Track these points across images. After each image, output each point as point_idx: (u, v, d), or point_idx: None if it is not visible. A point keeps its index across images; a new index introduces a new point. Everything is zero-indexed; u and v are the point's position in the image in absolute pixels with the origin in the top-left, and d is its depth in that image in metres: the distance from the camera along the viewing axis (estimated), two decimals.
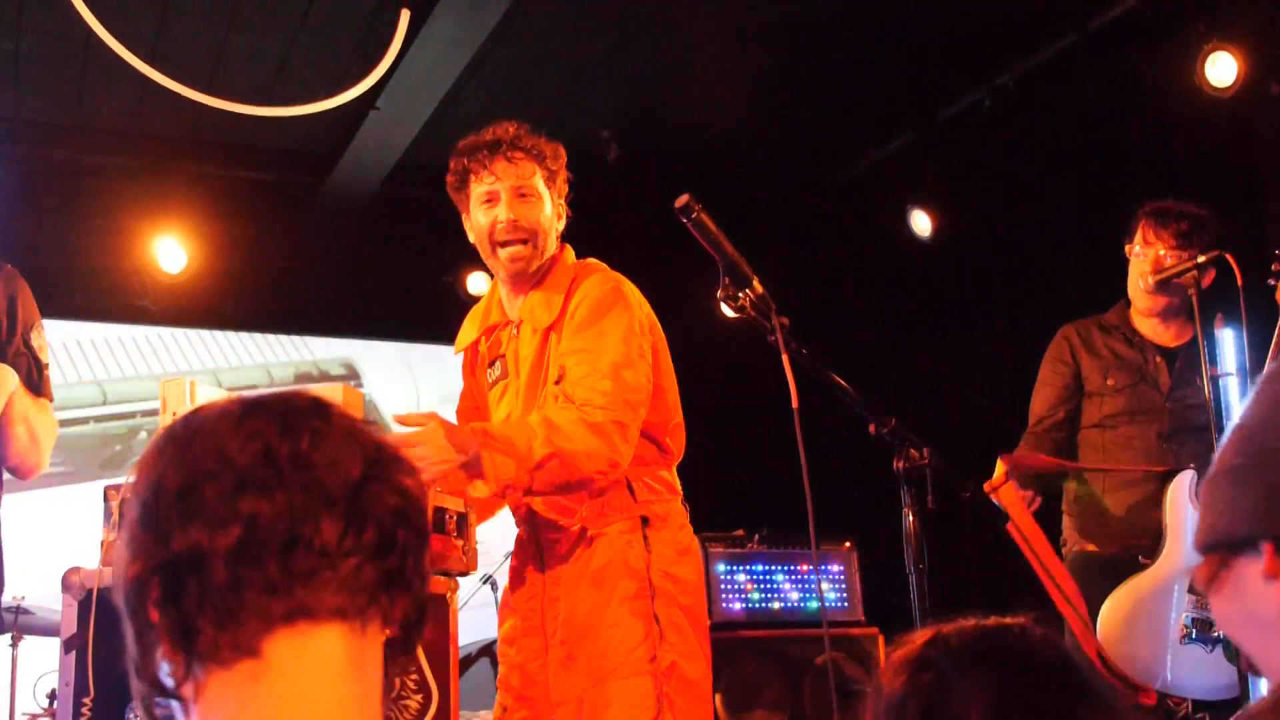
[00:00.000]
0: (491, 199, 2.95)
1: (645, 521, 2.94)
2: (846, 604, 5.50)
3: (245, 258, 6.60)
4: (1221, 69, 4.69)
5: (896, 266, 6.64)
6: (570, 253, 3.11)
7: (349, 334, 7.16)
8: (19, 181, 6.05)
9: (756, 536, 5.44)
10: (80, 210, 6.30)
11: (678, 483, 3.11)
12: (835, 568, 5.54)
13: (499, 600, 6.41)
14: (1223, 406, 3.61)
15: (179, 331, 6.95)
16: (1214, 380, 3.59)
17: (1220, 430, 3.49)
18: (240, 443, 1.11)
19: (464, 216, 3.08)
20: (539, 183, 2.97)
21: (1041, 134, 5.87)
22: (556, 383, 2.89)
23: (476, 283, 6.99)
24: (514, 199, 2.94)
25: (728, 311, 2.57)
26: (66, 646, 2.69)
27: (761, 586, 5.37)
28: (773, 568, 5.43)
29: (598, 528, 2.92)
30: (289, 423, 1.13)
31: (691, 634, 2.91)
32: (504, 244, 2.96)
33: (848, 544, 5.68)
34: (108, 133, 6.21)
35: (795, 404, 2.35)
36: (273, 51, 5.49)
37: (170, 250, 6.35)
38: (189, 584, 1.08)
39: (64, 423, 6.62)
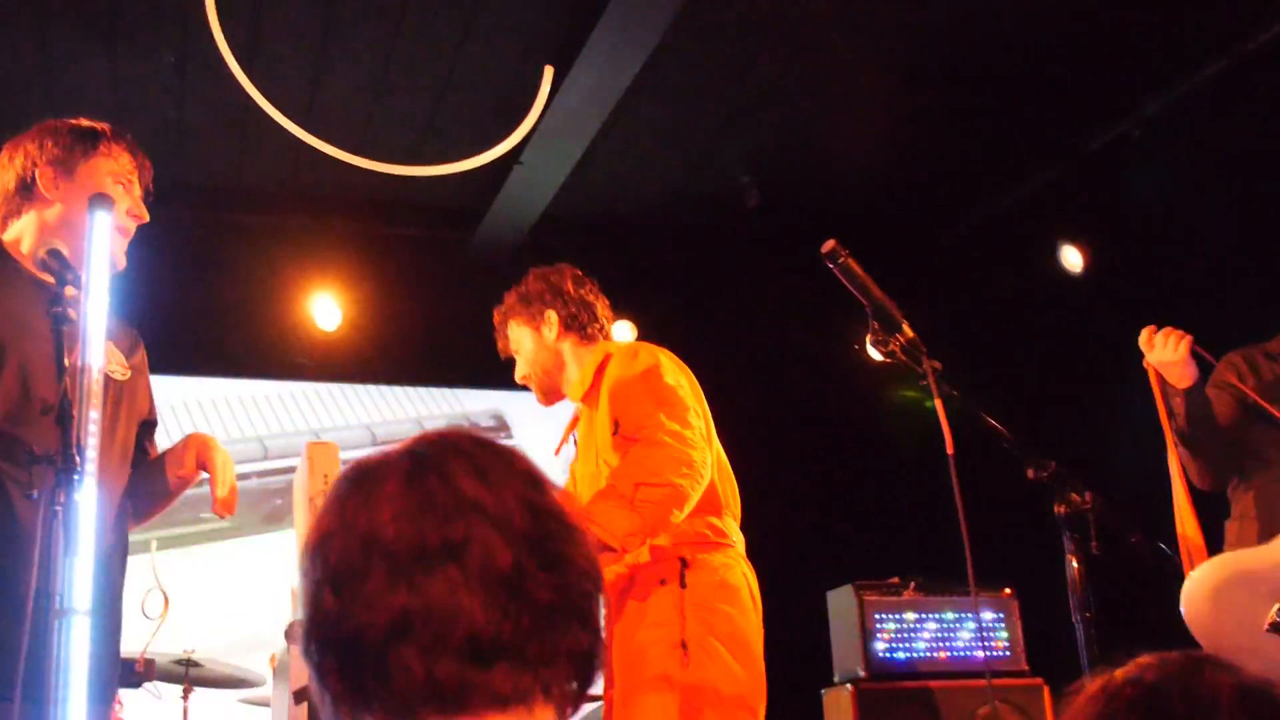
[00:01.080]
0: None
1: (684, 562, 3.18)
2: (1008, 653, 5.33)
3: (396, 313, 6.74)
4: None
5: (1048, 304, 6.47)
6: (597, 346, 3.64)
7: (497, 385, 7.23)
8: (182, 244, 6.27)
9: (912, 584, 5.32)
10: (239, 270, 6.51)
11: (732, 531, 3.33)
12: (994, 615, 5.38)
13: None
14: None
15: (334, 386, 7.10)
16: None
17: None
18: (396, 530, 1.11)
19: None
20: (514, 338, 3.76)
21: (1192, 162, 5.67)
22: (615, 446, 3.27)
23: (620, 333, 7.02)
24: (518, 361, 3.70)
25: (876, 356, 2.53)
26: (297, 697, 2.82)
27: (917, 635, 5.24)
28: (928, 616, 5.30)
29: (642, 568, 3.22)
30: (449, 511, 1.11)
31: (728, 658, 3.10)
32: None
33: (1007, 591, 5.51)
34: (265, 195, 6.43)
35: (950, 449, 2.31)
36: (419, 113, 5.62)
37: (326, 307, 6.53)
38: (360, 662, 1.08)
39: None
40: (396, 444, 1.21)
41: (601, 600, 1.16)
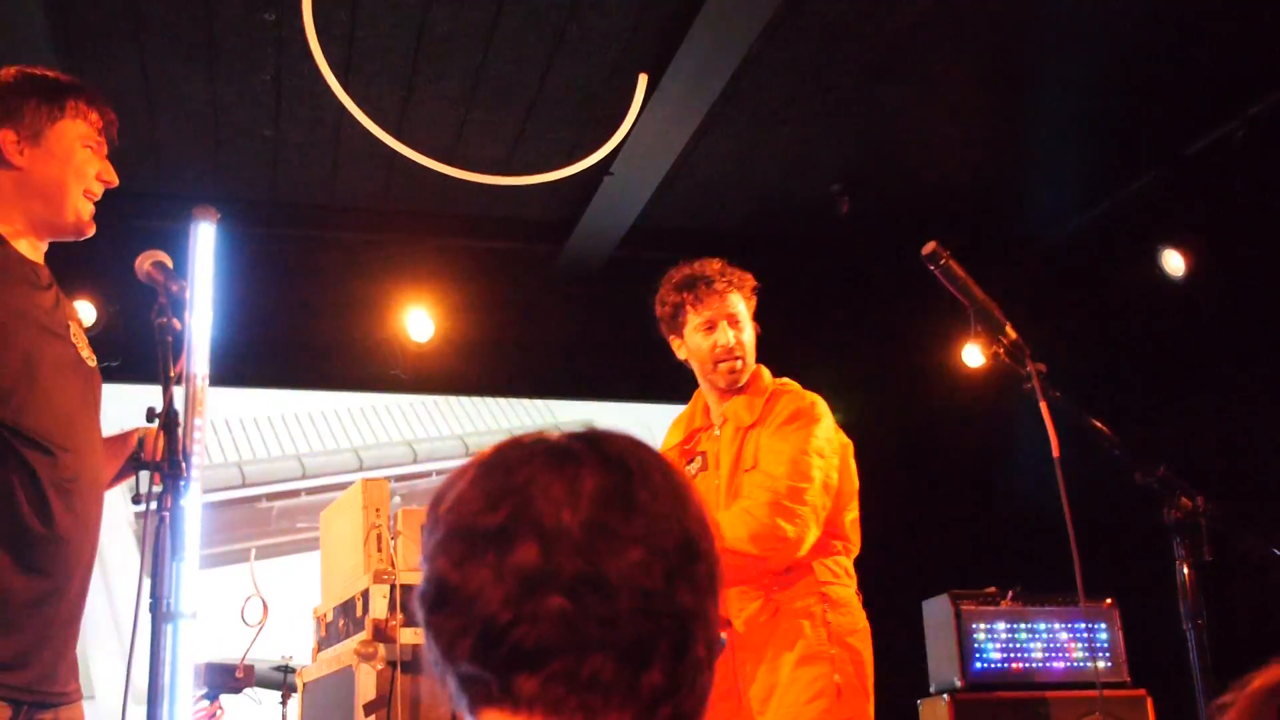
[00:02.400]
0: (710, 326, 3.41)
1: (824, 598, 3.26)
2: (1110, 663, 5.23)
3: (488, 324, 6.79)
4: None
5: (1149, 310, 6.33)
6: (766, 370, 3.52)
7: (588, 396, 7.25)
8: (279, 259, 6.38)
9: (1010, 594, 5.24)
10: (335, 285, 6.60)
11: (853, 573, 3.43)
12: (1097, 625, 5.28)
13: None
14: None
15: (428, 398, 7.17)
16: None
17: None
18: (460, 506, 1.12)
19: (673, 339, 3.55)
20: (743, 310, 3.45)
21: None
22: (747, 470, 3.31)
23: None
24: (729, 325, 3.40)
25: (977, 359, 2.50)
26: (367, 710, 2.89)
27: (1015, 646, 5.17)
28: (1027, 626, 5.22)
29: (784, 603, 3.24)
30: (589, 544, 1.09)
31: (865, 702, 3.22)
32: (722, 361, 3.41)
33: (1108, 601, 5.41)
34: (358, 210, 6.51)
35: (1056, 453, 2.26)
36: (509, 126, 5.65)
37: (419, 320, 6.60)
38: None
39: (324, 488, 6.91)
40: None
41: (692, 648, 1.11)
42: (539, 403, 7.35)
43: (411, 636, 3.47)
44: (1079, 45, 5.19)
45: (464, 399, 7.25)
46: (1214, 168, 5.79)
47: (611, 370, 7.15)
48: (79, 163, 2.49)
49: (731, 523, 3.11)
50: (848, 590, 3.33)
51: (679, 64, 4.92)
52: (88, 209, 2.52)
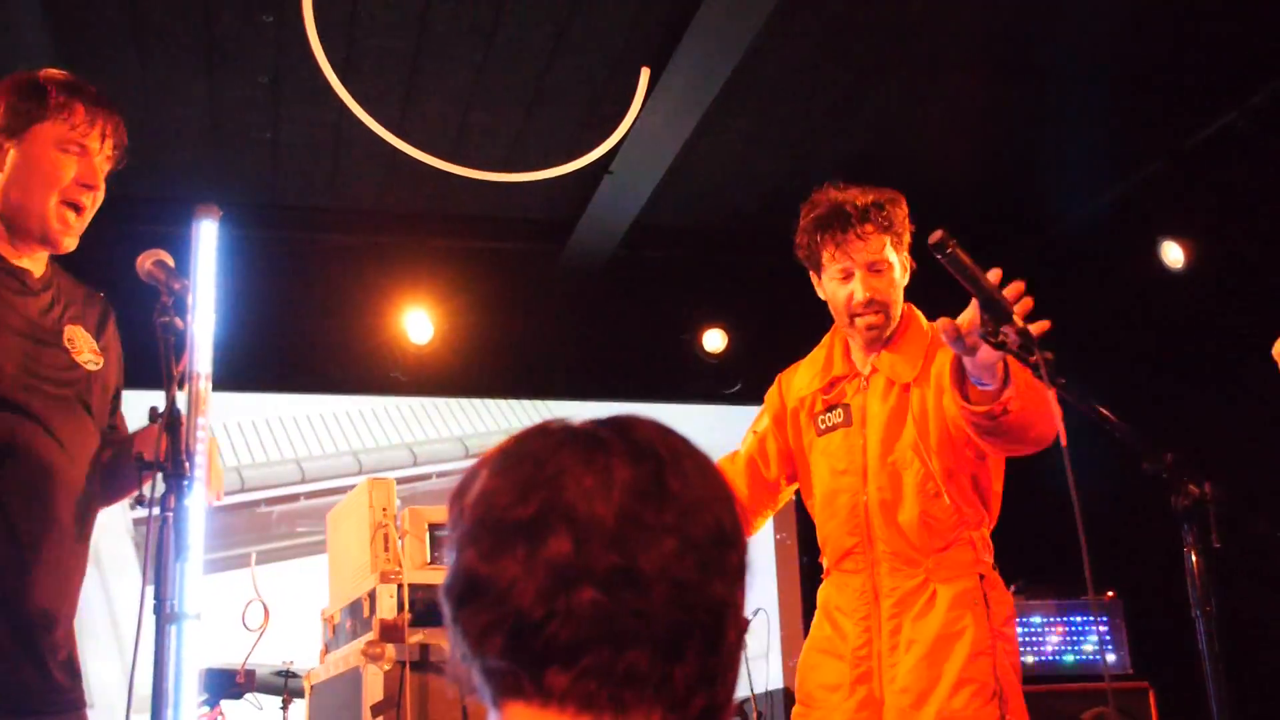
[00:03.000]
0: (846, 275, 3.03)
1: (983, 579, 2.99)
2: (1114, 656, 5.23)
3: (489, 325, 6.79)
4: None
5: (1148, 301, 6.33)
6: (920, 314, 3.16)
7: (590, 396, 7.25)
8: (278, 261, 6.38)
9: (1013, 586, 5.23)
10: (334, 287, 6.60)
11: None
12: (1101, 618, 5.28)
13: (746, 659, 6.34)
14: None
15: (427, 401, 7.17)
16: None
17: None
18: (494, 496, 1.11)
19: (812, 275, 3.15)
20: (889, 253, 3.03)
21: None
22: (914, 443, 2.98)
23: (713, 340, 7.00)
24: (868, 274, 3.01)
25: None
26: (374, 711, 2.87)
27: (1020, 639, 5.17)
28: (1031, 619, 5.23)
29: (943, 581, 2.97)
30: (535, 486, 1.09)
31: (1020, 696, 2.96)
32: (859, 315, 3.04)
33: (1110, 594, 5.41)
34: (357, 212, 6.51)
35: (1064, 442, 2.24)
36: (510, 124, 5.65)
37: (419, 322, 6.60)
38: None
39: (323, 492, 6.91)
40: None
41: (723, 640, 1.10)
42: (540, 404, 7.35)
43: (420, 636, 3.46)
44: (1079, 38, 5.19)
45: (464, 401, 7.25)
46: (1215, 159, 5.79)
47: (614, 370, 7.15)
48: (49, 168, 2.39)
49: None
50: (995, 566, 3.06)
51: (679, 60, 4.92)
52: (62, 218, 2.42)
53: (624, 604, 1.04)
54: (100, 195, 2.51)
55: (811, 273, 3.14)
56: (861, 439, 3.07)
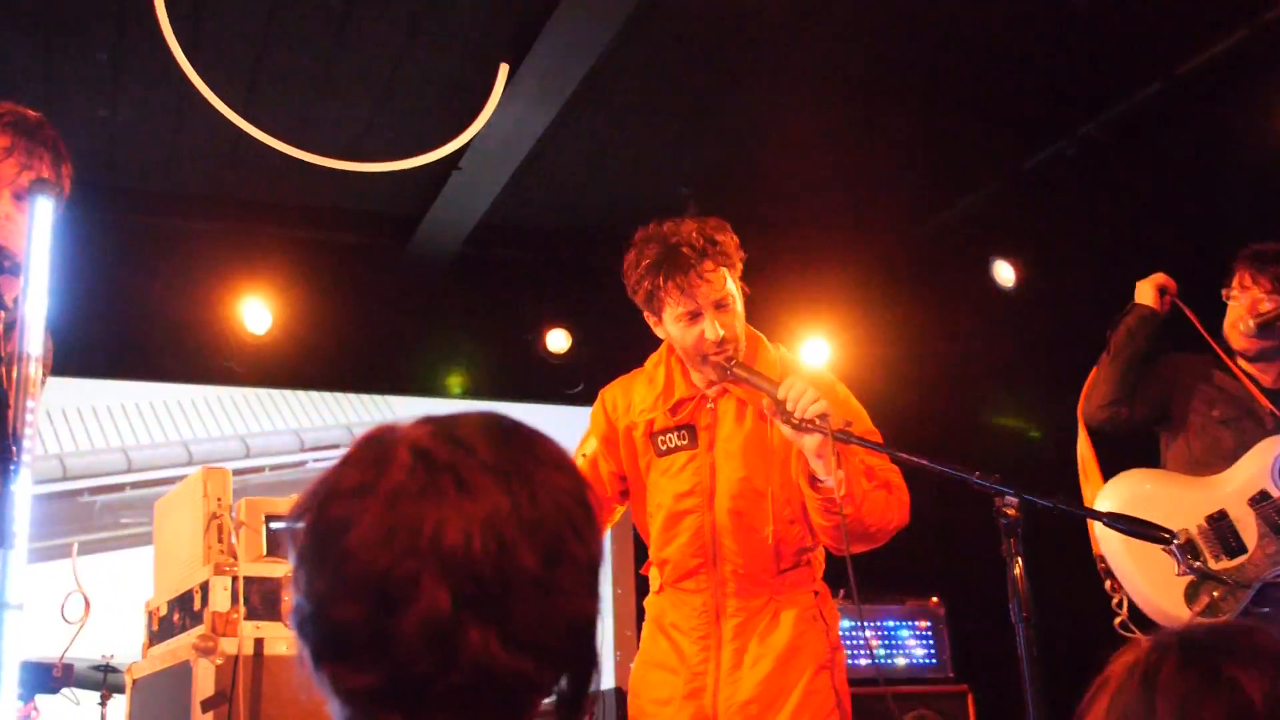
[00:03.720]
0: (693, 316, 2.99)
1: (817, 595, 3.09)
2: (934, 661, 5.41)
3: (329, 318, 6.70)
4: None
5: (982, 317, 6.58)
6: (763, 337, 3.19)
7: (431, 393, 7.21)
8: (112, 245, 6.19)
9: (840, 593, 5.37)
10: (170, 273, 6.44)
11: None
12: (922, 624, 5.45)
13: None
14: None
15: (263, 392, 7.04)
16: None
17: None
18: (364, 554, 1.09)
19: (649, 317, 3.12)
20: (731, 286, 3.00)
21: (1129, 182, 5.80)
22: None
23: (556, 340, 7.04)
24: (715, 313, 2.98)
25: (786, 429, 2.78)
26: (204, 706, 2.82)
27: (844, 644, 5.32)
28: (854, 624, 5.37)
29: (785, 600, 3.05)
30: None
31: (850, 704, 3.06)
32: (712, 355, 3.00)
33: (934, 599, 5.59)
34: (197, 198, 6.37)
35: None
36: (358, 116, 5.60)
37: (256, 312, 6.47)
38: None
39: (151, 483, 6.73)
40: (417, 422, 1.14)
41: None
42: (378, 399, 7.28)
43: (253, 630, 3.41)
44: (926, 59, 5.36)
45: (300, 393, 7.14)
46: (1047, 183, 6.04)
47: (456, 368, 7.14)
48: (51, 180, 2.38)
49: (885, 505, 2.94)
50: (825, 582, 3.16)
51: (533, 61, 4.94)
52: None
53: (504, 661, 1.04)
54: None
55: (647, 314, 3.10)
56: (709, 460, 3.09)
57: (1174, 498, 3.77)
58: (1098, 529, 3.78)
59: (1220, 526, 3.67)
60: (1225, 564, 3.66)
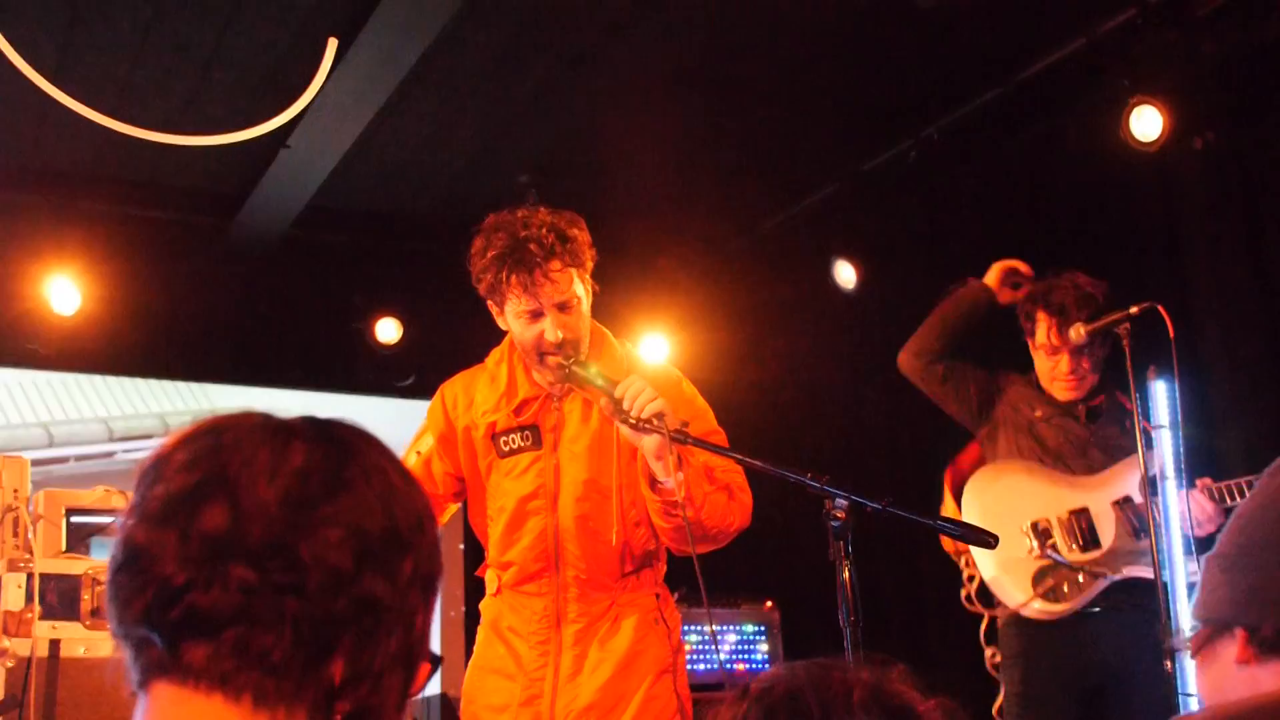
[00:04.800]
0: (534, 315, 2.99)
1: (658, 598, 3.15)
2: (768, 665, 5.50)
3: (144, 300, 6.49)
4: (1146, 123, 4.81)
5: (822, 318, 6.71)
6: (610, 334, 3.22)
7: (252, 382, 7.06)
8: None
9: (676, 595, 5.44)
10: None
11: None
12: (756, 627, 5.54)
13: None
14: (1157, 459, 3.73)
15: (69, 377, 6.81)
16: (1146, 434, 3.70)
17: (1153, 485, 3.68)
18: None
19: (491, 305, 3.12)
20: (577, 287, 3.01)
21: (966, 187, 5.99)
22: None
23: (387, 330, 6.95)
24: (558, 314, 2.99)
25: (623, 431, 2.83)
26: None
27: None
28: (689, 628, 5.44)
29: (627, 604, 3.09)
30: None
31: (690, 711, 3.12)
32: (551, 355, 3.01)
33: (769, 603, 5.69)
34: (1, 168, 6.11)
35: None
36: (180, 87, 5.44)
37: (63, 290, 6.22)
38: None
39: None
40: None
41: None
42: (196, 388, 7.11)
43: (49, 631, 3.30)
44: (767, 56, 5.44)
45: (111, 380, 6.93)
46: (887, 184, 6.20)
47: (281, 356, 7.00)
48: None
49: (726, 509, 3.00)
50: (665, 584, 3.23)
51: (369, 35, 4.86)
52: None
53: (272, 583, 1.04)
54: None
55: (490, 303, 3.10)
56: (553, 462, 3.10)
57: (1041, 489, 4.02)
58: (964, 511, 4.00)
59: (1080, 520, 3.93)
60: (1079, 556, 3.92)
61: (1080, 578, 3.89)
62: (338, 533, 1.07)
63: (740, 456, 2.81)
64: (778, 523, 5.75)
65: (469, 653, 3.28)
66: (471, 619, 6.14)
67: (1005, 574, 3.95)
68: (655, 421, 2.77)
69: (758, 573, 5.96)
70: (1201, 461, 3.94)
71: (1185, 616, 3.79)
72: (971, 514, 4.00)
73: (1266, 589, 1.35)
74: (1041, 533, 3.93)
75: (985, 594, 4.13)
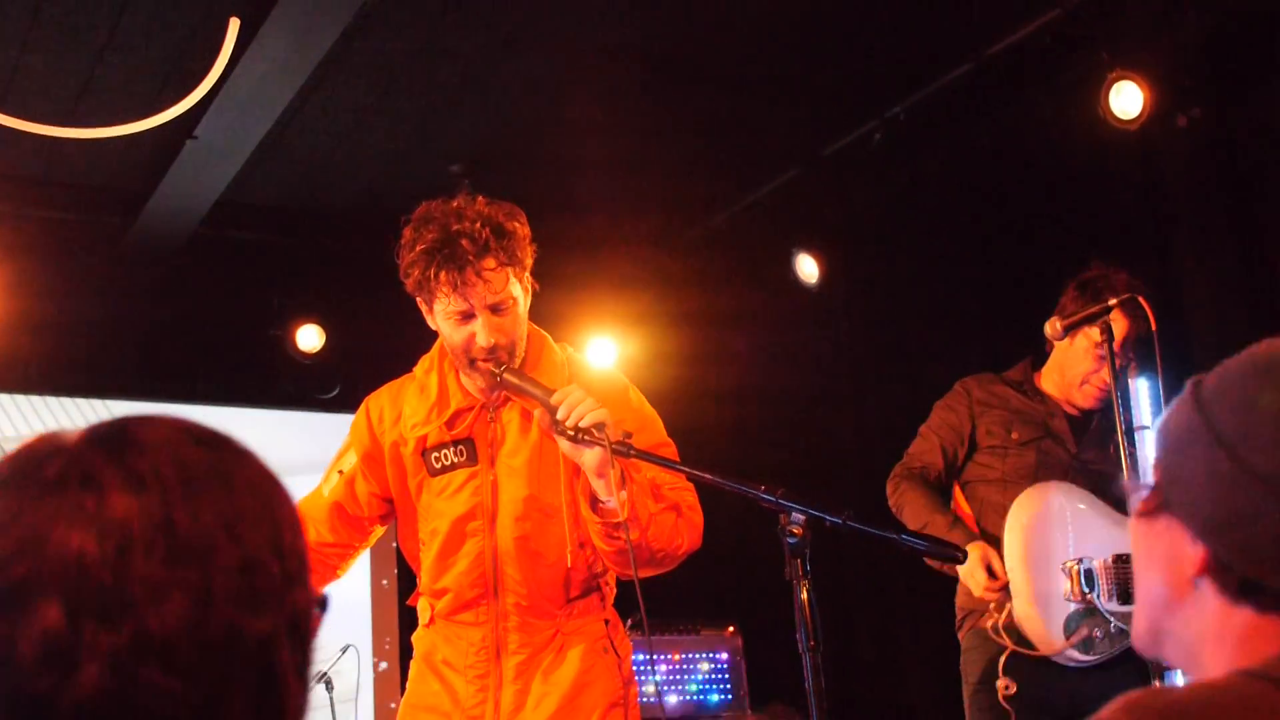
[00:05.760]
0: (465, 317, 2.95)
1: (608, 624, 3.12)
2: (730, 697, 5.52)
3: (36, 309, 6.38)
4: (1126, 99, 4.85)
5: (783, 316, 6.73)
6: (549, 338, 3.19)
7: (160, 397, 6.97)
8: None
9: (629, 621, 5.44)
10: None
11: None
12: (718, 654, 5.55)
13: (332, 700, 6.28)
14: (1139, 460, 3.75)
15: None
16: (1129, 434, 3.72)
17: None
18: None
19: (420, 301, 3.06)
20: (513, 288, 2.96)
21: (936, 170, 6.01)
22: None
23: (308, 337, 6.91)
24: (490, 316, 2.94)
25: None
26: None
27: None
28: (648, 656, 5.45)
29: (573, 631, 3.07)
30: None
31: None
32: (483, 360, 2.97)
33: (731, 628, 5.70)
34: None
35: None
36: (73, 75, 5.38)
37: None
38: None
39: None
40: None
41: None
42: (97, 403, 7.02)
43: None
44: (723, 33, 5.44)
45: (2, 396, 6.83)
46: (851, 170, 6.22)
47: (189, 368, 6.94)
48: None
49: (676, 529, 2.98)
50: (615, 609, 3.20)
51: (281, 13, 4.81)
52: None
53: (136, 679, 1.00)
54: None
55: (420, 300, 3.06)
56: (490, 478, 3.06)
57: (1094, 524, 3.95)
58: (1005, 532, 3.94)
59: (1123, 569, 3.84)
60: (1115, 607, 3.86)
61: (1112, 628, 3.85)
62: (185, 598, 1.02)
63: (689, 470, 2.80)
64: (740, 541, 5.77)
65: (404, 687, 3.26)
66: (406, 654, 6.11)
67: (1040, 612, 3.87)
68: (595, 433, 2.75)
69: (719, 596, 5.97)
70: None
71: None
72: (1013, 534, 3.91)
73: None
74: (1085, 574, 3.84)
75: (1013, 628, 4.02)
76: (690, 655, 5.55)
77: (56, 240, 6.46)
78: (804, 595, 2.45)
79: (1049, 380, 4.20)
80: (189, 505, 1.04)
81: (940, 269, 6.10)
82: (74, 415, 6.95)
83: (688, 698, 5.51)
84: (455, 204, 2.98)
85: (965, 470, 4.19)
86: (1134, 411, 3.87)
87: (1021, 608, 3.88)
